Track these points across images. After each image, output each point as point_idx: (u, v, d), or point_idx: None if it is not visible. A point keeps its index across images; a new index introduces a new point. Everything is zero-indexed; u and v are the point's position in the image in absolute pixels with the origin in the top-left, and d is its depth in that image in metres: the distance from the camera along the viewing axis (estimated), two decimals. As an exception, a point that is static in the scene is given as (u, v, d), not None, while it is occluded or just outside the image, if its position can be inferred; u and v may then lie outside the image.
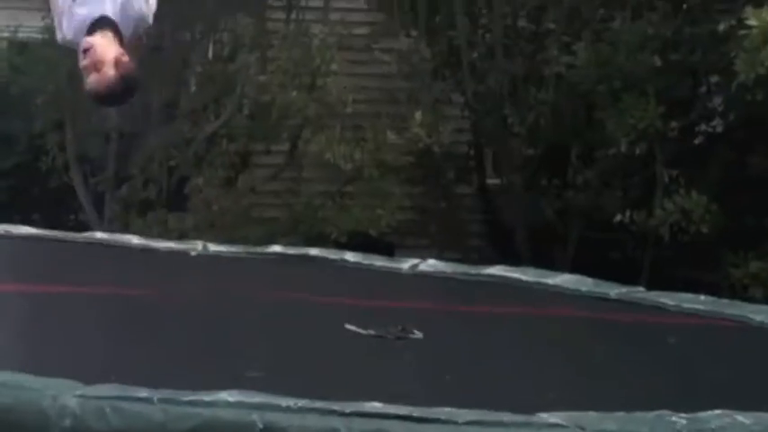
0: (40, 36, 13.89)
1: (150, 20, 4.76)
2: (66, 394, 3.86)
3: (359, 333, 5.48)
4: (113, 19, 4.53)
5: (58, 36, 4.73)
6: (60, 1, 4.70)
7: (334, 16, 12.29)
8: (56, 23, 4.75)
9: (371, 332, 5.48)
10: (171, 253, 7.85)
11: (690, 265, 10.56)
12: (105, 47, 4.43)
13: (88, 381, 3.98)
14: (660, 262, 10.94)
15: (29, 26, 14.07)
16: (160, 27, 12.93)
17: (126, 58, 4.43)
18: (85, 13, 4.54)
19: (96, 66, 4.40)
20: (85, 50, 4.42)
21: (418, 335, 5.53)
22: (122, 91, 4.49)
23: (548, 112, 11.43)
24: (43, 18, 13.44)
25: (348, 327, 5.54)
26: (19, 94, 14.07)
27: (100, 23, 4.50)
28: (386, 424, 3.84)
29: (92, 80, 4.43)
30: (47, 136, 13.56)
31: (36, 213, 13.23)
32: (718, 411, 4.11)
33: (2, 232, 8.07)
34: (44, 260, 7.62)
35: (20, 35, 14.59)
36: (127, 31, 4.61)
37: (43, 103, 13.41)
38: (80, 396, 3.85)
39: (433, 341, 5.58)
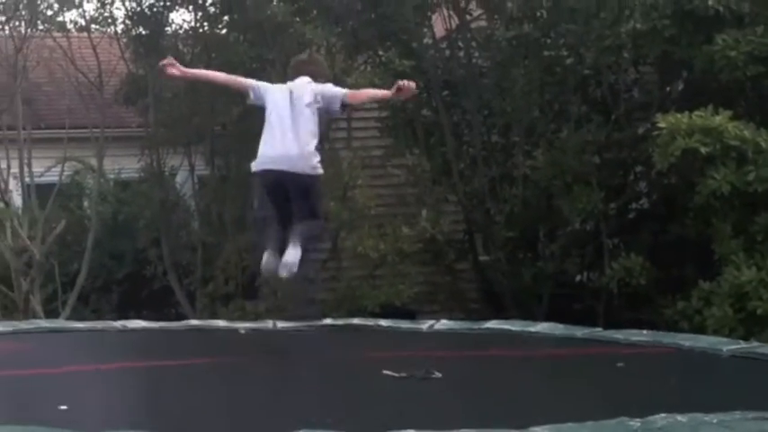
0: (137, 175, 14.13)
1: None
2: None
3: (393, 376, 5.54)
4: None
5: None
6: None
7: (355, 143, 12.42)
8: None
9: (404, 374, 5.54)
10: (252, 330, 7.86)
11: (634, 309, 10.59)
12: None
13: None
14: (611, 308, 10.97)
15: (129, 168, 14.30)
16: (227, 160, 13.13)
17: None
18: None
19: None
20: None
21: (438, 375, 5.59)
22: None
23: (519, 203, 11.54)
24: (139, 161, 13.68)
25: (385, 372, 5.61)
26: (124, 220, 14.28)
27: None
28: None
29: None
30: (148, 251, 13.70)
31: (145, 310, 13.32)
32: (663, 414, 4.19)
33: (120, 327, 7.98)
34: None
35: (122, 176, 14.81)
36: None
37: (143, 226, 13.56)
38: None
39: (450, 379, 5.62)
